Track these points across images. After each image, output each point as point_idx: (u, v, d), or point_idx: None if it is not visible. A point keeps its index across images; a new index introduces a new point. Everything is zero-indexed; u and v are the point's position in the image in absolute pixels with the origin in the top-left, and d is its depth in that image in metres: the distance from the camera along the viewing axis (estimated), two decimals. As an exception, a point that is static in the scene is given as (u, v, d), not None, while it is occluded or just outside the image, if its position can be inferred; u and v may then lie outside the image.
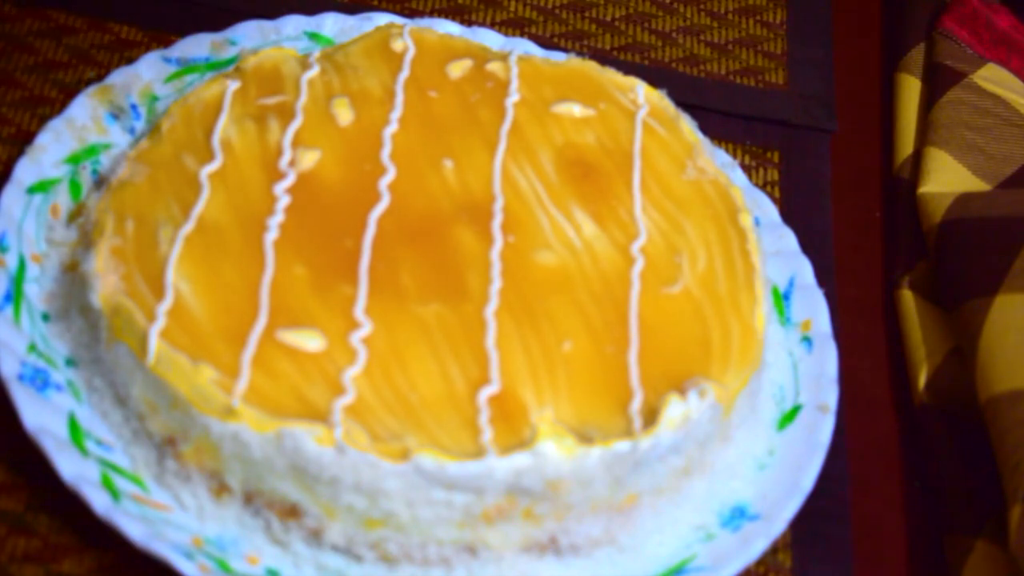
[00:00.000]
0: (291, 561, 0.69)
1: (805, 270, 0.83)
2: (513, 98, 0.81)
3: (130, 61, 0.84)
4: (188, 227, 0.73)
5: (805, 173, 0.91)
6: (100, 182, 0.78)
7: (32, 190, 0.77)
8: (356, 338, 0.71)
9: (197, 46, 0.84)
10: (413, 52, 0.83)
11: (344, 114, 0.79)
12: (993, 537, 0.76)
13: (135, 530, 0.67)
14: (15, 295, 0.73)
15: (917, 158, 0.91)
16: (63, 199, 0.77)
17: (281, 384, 0.69)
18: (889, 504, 0.80)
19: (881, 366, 0.85)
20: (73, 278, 0.74)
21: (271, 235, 0.74)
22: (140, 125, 0.81)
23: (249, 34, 0.85)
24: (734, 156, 0.89)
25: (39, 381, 0.71)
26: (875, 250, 0.90)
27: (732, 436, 0.75)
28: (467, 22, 0.92)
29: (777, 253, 0.83)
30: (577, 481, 0.68)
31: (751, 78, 0.94)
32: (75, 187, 0.78)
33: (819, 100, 0.94)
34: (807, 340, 0.80)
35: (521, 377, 0.71)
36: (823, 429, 0.77)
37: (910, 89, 0.95)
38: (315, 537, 0.68)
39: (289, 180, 0.76)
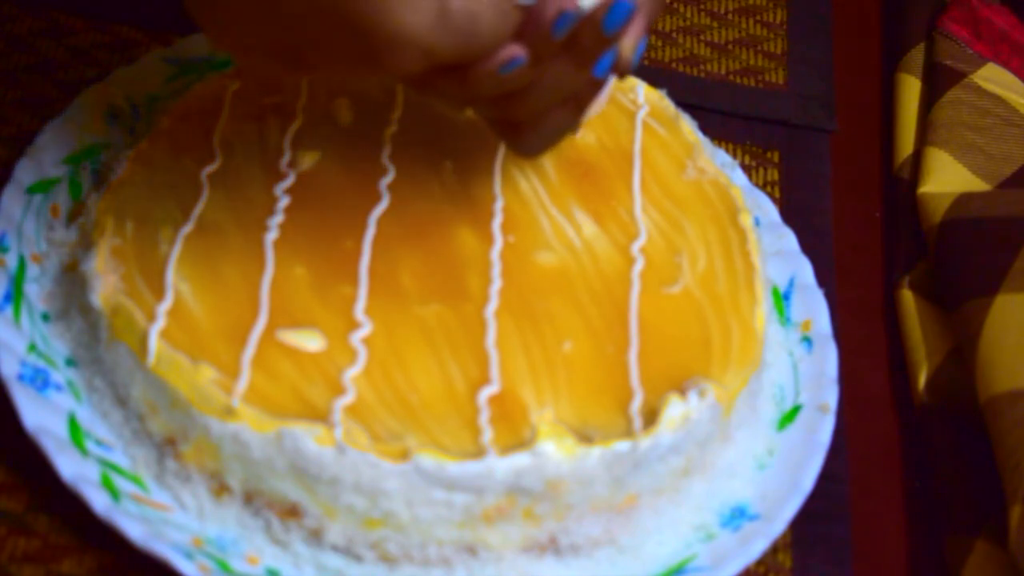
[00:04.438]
0: (291, 561, 0.69)
1: (805, 270, 0.83)
2: (513, 98, 0.81)
3: (130, 61, 0.84)
4: (188, 227, 0.73)
5: (805, 173, 0.91)
6: (100, 182, 0.78)
7: (32, 190, 0.77)
8: (356, 338, 0.71)
9: (197, 46, 0.84)
10: (413, 52, 0.83)
11: (344, 115, 0.79)
12: (993, 537, 0.76)
13: (135, 530, 0.67)
14: (15, 295, 0.73)
15: (917, 158, 0.91)
16: (63, 199, 0.77)
17: (281, 384, 0.69)
18: (889, 504, 0.80)
19: (881, 366, 0.85)
20: (73, 278, 0.74)
21: (271, 235, 0.74)
22: (140, 125, 0.81)
23: (249, 34, 0.85)
24: (734, 156, 0.89)
25: (39, 381, 0.71)
26: (875, 250, 0.90)
27: (732, 436, 0.75)
28: (467, 22, 0.91)
29: (777, 253, 0.83)
30: (577, 481, 0.68)
31: (751, 78, 0.94)
32: (75, 187, 0.78)
33: (819, 100, 0.94)
34: (807, 340, 0.80)
35: (521, 377, 0.71)
36: (823, 429, 0.77)
37: (910, 89, 0.95)
38: (315, 537, 0.68)
39: (289, 180, 0.76)
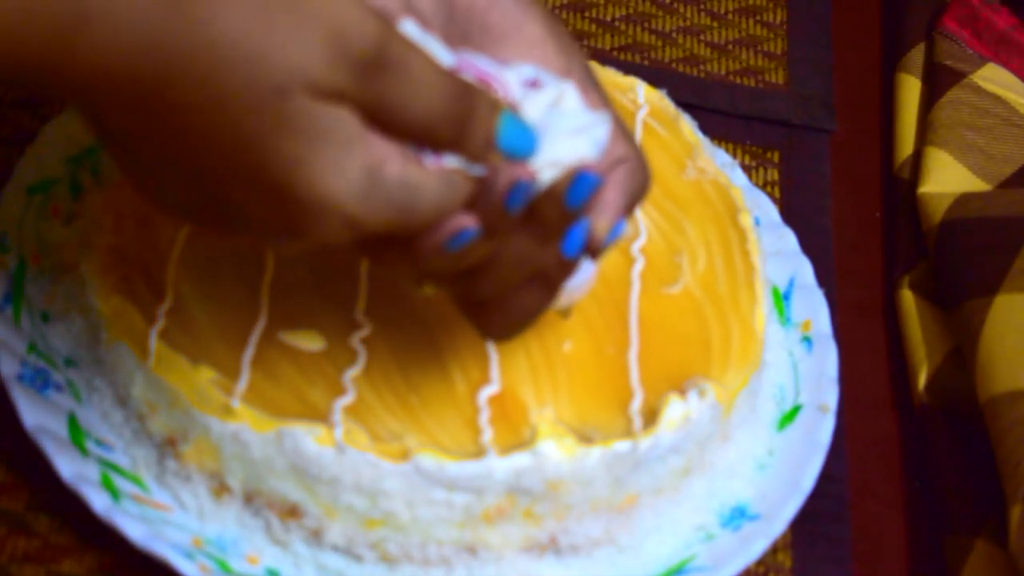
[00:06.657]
0: (291, 561, 0.69)
1: (805, 270, 0.83)
2: (513, 98, 0.81)
3: (130, 61, 0.84)
4: (188, 227, 0.73)
5: (805, 173, 0.91)
6: (100, 182, 0.78)
7: (32, 190, 0.77)
8: (356, 338, 0.71)
9: (197, 46, 0.84)
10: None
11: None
12: (993, 537, 0.75)
13: (135, 530, 0.67)
14: (15, 295, 0.73)
15: (917, 158, 0.91)
16: (63, 199, 0.77)
17: (281, 384, 0.69)
18: (889, 504, 0.80)
19: (881, 366, 0.85)
20: (73, 278, 0.74)
21: (271, 235, 0.73)
22: (140, 125, 0.81)
23: (249, 34, 0.85)
24: (734, 156, 0.89)
25: (39, 381, 0.71)
26: (875, 250, 0.90)
27: (732, 436, 0.75)
28: (467, 22, 0.91)
29: (777, 253, 0.83)
30: (577, 481, 0.68)
31: (751, 78, 0.94)
32: (75, 187, 0.78)
33: (819, 100, 0.94)
34: (807, 340, 0.80)
35: (521, 377, 0.71)
36: (823, 429, 0.77)
37: (910, 89, 0.95)
38: (315, 537, 0.68)
39: (289, 180, 0.76)
